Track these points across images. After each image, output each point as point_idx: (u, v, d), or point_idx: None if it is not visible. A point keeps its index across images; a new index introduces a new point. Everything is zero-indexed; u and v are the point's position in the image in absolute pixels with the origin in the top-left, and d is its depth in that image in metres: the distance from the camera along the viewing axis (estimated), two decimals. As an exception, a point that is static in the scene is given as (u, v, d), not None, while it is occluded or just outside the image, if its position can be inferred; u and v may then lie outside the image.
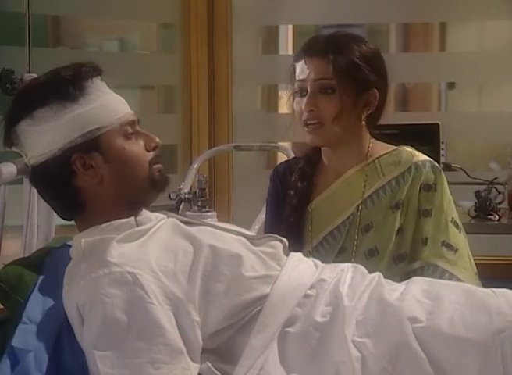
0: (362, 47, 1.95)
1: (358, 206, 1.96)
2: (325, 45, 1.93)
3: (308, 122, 1.93)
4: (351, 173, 1.99)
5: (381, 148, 2.01)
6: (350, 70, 1.91)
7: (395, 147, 2.01)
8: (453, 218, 1.95)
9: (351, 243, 1.95)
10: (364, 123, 1.97)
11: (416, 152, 1.99)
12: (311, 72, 1.92)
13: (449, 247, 1.91)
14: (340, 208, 1.98)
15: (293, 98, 1.97)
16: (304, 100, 1.93)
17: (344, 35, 1.99)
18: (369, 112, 1.96)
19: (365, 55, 1.94)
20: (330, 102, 1.91)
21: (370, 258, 1.84)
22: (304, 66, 1.94)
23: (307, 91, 1.93)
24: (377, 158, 1.99)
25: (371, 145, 2.00)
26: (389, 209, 1.94)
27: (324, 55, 1.91)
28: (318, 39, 1.99)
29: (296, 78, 1.95)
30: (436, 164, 1.97)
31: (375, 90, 1.95)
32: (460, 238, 1.94)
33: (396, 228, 1.93)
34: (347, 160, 1.99)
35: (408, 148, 2.00)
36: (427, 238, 1.92)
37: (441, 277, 1.85)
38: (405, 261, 1.91)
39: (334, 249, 1.95)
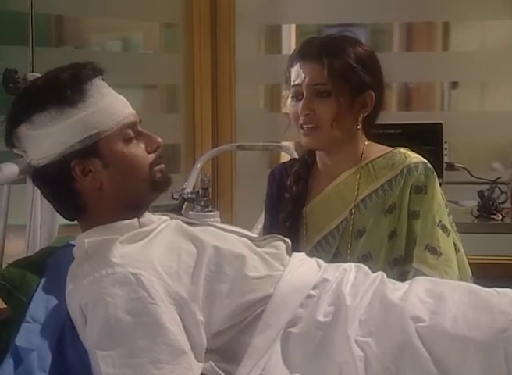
0: (357, 49, 1.93)
1: (352, 210, 1.95)
2: (319, 49, 1.92)
3: (304, 126, 1.93)
4: (345, 176, 1.98)
5: (376, 150, 2.00)
6: (345, 73, 1.90)
7: (390, 149, 2.00)
8: (440, 221, 1.92)
9: (345, 248, 1.94)
10: (360, 125, 1.96)
11: (410, 154, 1.97)
12: (306, 77, 1.91)
13: (433, 251, 1.89)
14: (334, 213, 1.97)
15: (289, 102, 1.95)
16: (300, 104, 1.92)
17: (338, 37, 1.98)
18: (366, 114, 1.95)
19: (360, 56, 1.92)
20: (326, 106, 1.90)
21: (364, 263, 1.82)
22: (300, 70, 1.92)
23: (302, 95, 1.92)
24: (371, 161, 1.98)
25: (365, 147, 1.99)
26: (382, 213, 1.93)
27: (318, 58, 1.90)
28: (312, 42, 1.97)
29: (292, 83, 1.94)
30: (430, 166, 1.95)
31: (371, 91, 1.94)
32: (446, 242, 1.91)
33: (389, 232, 1.92)
34: (342, 163, 1.98)
35: (402, 150, 1.98)
36: (416, 240, 1.91)
37: None
38: (400, 265, 1.90)
39: (328, 254, 1.94)
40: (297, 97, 1.93)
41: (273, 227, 2.01)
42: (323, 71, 1.89)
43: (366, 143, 2.00)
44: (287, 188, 2.03)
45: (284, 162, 2.19)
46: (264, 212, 2.15)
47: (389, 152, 1.99)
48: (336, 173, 1.99)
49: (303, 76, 1.91)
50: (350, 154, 1.98)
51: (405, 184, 1.93)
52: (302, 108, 1.91)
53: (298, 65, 1.93)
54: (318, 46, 1.93)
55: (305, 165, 2.05)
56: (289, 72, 1.96)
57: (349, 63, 1.90)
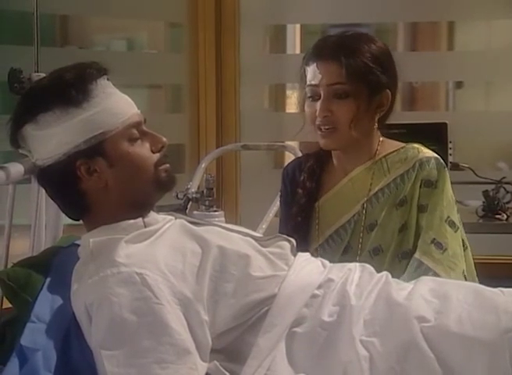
0: (372, 47, 1.93)
1: (364, 204, 1.96)
2: (335, 48, 1.91)
3: (322, 127, 1.92)
4: (358, 171, 1.99)
5: (389, 146, 2.01)
6: (363, 74, 1.89)
7: (403, 144, 2.01)
8: (449, 217, 1.92)
9: (356, 241, 1.95)
10: (376, 124, 1.97)
11: (423, 148, 1.98)
12: (323, 77, 1.90)
13: (439, 246, 1.89)
14: (346, 207, 1.98)
15: (304, 102, 1.95)
16: (318, 104, 1.91)
17: (353, 35, 1.96)
18: (382, 113, 1.96)
19: (376, 55, 1.92)
20: (345, 107, 1.90)
21: (374, 257, 1.83)
22: (316, 70, 1.91)
23: (319, 96, 1.91)
24: (384, 156, 1.99)
25: (380, 144, 2.00)
26: (393, 207, 1.94)
27: (336, 58, 1.89)
28: (328, 41, 1.96)
29: (308, 82, 1.93)
30: (442, 161, 1.96)
31: (388, 91, 1.94)
32: (453, 238, 1.92)
33: (400, 225, 1.92)
34: (356, 159, 1.99)
35: (416, 145, 2.00)
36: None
37: (424, 274, 1.81)
38: (408, 258, 1.90)
39: (339, 248, 1.95)
40: (314, 97, 1.92)
41: (288, 222, 2.02)
42: (341, 71, 1.88)
43: (381, 139, 2.01)
44: (300, 184, 2.04)
45: (298, 158, 2.20)
46: (279, 209, 2.16)
47: (402, 148, 2.00)
48: (349, 167, 2.00)
49: (320, 76, 1.90)
50: (365, 150, 1.99)
51: (416, 178, 1.94)
52: (320, 110, 1.91)
53: (314, 65, 1.92)
54: (333, 45, 1.92)
55: (319, 160, 2.05)
56: (304, 71, 1.95)
57: (367, 64, 1.90)
